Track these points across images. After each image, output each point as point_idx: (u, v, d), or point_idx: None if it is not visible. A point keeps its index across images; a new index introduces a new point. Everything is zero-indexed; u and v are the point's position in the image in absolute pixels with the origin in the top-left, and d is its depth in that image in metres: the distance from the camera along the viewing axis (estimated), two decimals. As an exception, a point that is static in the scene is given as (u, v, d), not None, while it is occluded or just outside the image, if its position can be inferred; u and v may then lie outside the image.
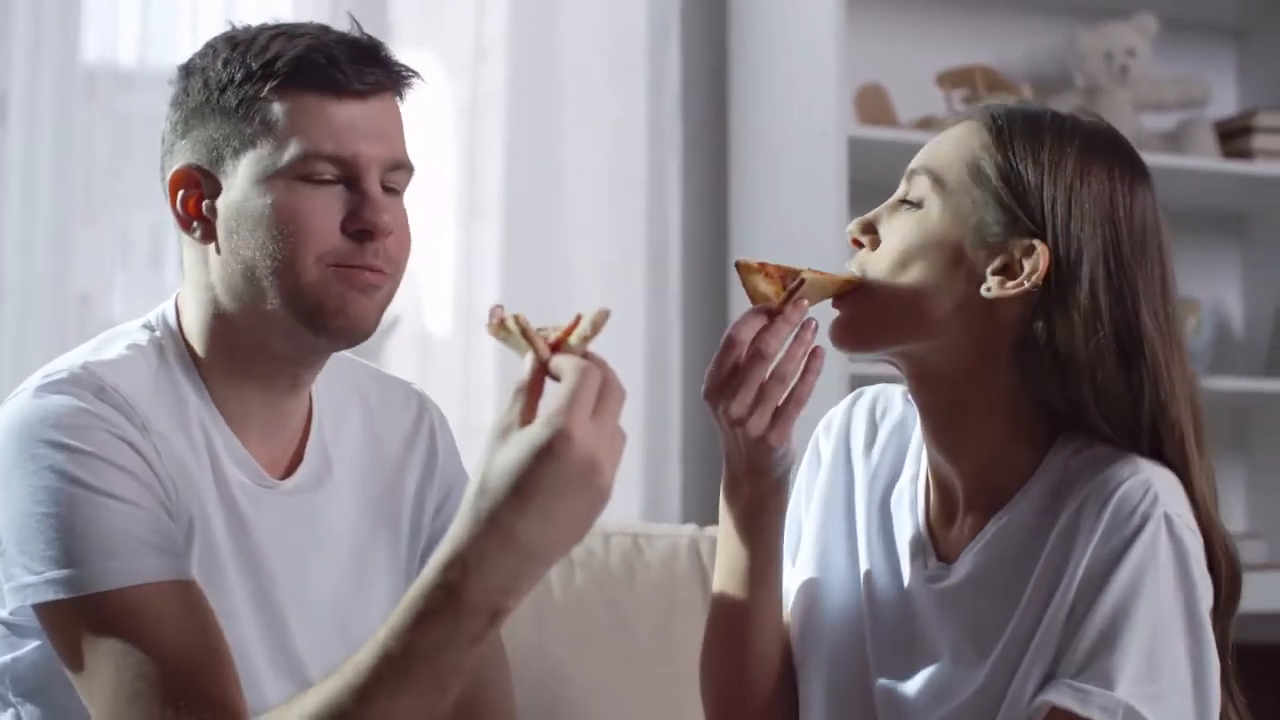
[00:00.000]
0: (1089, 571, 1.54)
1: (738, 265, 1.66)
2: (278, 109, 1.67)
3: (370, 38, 1.74)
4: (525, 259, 3.51)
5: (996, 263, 1.61)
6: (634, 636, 2.46)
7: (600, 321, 1.41)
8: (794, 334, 1.64)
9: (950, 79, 3.70)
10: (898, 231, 1.65)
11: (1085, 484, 1.58)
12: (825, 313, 1.67)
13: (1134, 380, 1.60)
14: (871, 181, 3.49)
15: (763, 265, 1.65)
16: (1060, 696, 1.53)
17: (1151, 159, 3.93)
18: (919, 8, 3.89)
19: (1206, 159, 3.84)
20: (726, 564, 1.76)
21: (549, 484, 1.33)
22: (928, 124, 3.62)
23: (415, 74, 1.76)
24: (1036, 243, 1.60)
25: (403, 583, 1.84)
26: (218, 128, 1.69)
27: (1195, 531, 1.57)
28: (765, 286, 1.65)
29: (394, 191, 1.73)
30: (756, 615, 1.75)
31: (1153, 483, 1.56)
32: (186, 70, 1.74)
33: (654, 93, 3.63)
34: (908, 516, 1.74)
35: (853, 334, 1.67)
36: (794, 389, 1.65)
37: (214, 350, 1.74)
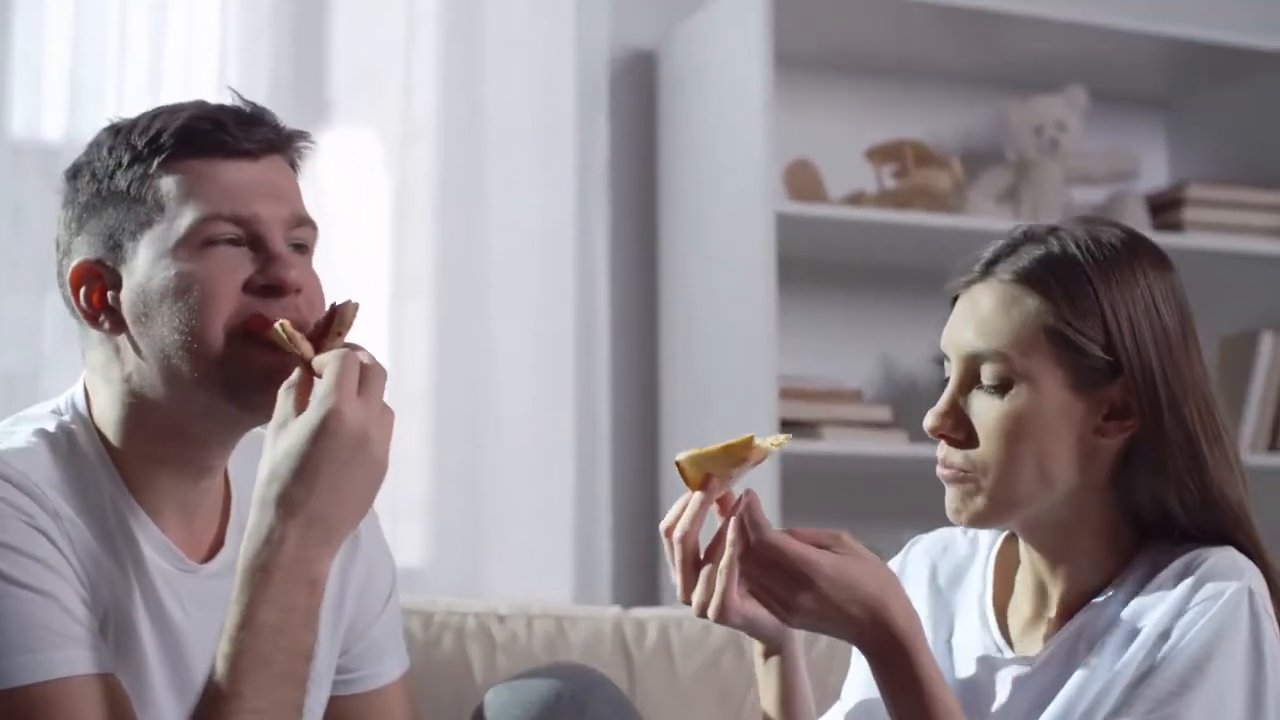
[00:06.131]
0: (1173, 624, 1.59)
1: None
2: (169, 182, 1.65)
3: (254, 105, 1.72)
4: (455, 337, 3.48)
5: (1106, 409, 1.65)
6: None
7: (350, 314, 1.60)
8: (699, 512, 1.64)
9: (880, 154, 3.70)
10: (994, 419, 1.65)
11: (1176, 570, 1.62)
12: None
13: (1196, 477, 1.64)
14: (800, 257, 3.50)
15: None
16: None
17: (1082, 232, 3.93)
18: (848, 82, 3.89)
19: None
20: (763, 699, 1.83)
21: (329, 459, 1.52)
22: (858, 199, 3.62)
23: (305, 136, 1.74)
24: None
25: (325, 664, 1.81)
26: (112, 215, 1.66)
27: (1273, 617, 1.61)
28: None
29: (302, 249, 1.70)
30: None
31: (1239, 560, 1.62)
32: (74, 170, 1.71)
33: (582, 169, 3.62)
34: (977, 639, 1.76)
35: (983, 520, 1.68)
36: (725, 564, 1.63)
37: (129, 438, 1.70)
